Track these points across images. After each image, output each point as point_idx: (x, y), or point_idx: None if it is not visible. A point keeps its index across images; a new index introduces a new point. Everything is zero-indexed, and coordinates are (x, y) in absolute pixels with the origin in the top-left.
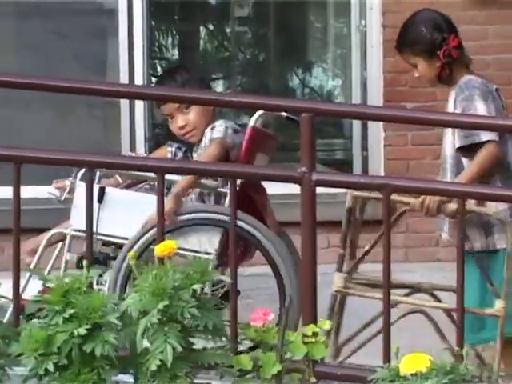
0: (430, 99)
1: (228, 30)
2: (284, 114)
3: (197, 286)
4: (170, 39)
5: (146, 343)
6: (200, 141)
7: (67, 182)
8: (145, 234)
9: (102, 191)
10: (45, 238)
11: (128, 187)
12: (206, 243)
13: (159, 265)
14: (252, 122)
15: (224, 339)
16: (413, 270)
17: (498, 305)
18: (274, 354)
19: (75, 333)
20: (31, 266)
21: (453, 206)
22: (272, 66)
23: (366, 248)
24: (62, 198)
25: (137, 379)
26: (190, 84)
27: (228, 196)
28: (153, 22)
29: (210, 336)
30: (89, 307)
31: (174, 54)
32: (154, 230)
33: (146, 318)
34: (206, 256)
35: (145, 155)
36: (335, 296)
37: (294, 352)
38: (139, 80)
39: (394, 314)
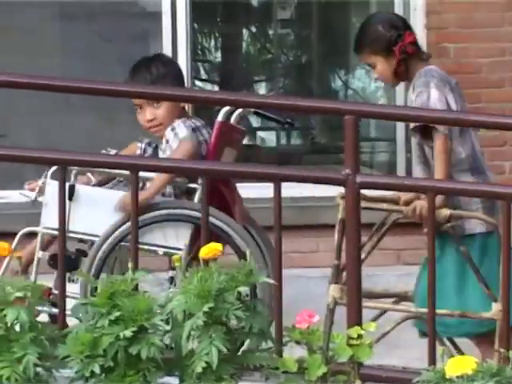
0: (476, 101)
1: (270, 32)
2: (252, 109)
3: (242, 289)
4: (212, 41)
5: (191, 345)
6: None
7: (39, 182)
8: (116, 229)
9: (72, 189)
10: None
11: (101, 185)
12: (177, 239)
13: (204, 267)
14: (220, 117)
15: (269, 341)
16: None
17: (495, 308)
18: (319, 356)
19: (121, 335)
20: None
21: (446, 211)
22: (314, 68)
23: (362, 257)
24: (34, 199)
25: (182, 381)
26: (165, 79)
27: (198, 192)
28: (196, 25)
29: (255, 338)
30: (135, 309)
31: (217, 56)
32: (125, 226)
33: (192, 320)
34: (177, 252)
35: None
36: (332, 308)
37: (339, 354)
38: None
39: None
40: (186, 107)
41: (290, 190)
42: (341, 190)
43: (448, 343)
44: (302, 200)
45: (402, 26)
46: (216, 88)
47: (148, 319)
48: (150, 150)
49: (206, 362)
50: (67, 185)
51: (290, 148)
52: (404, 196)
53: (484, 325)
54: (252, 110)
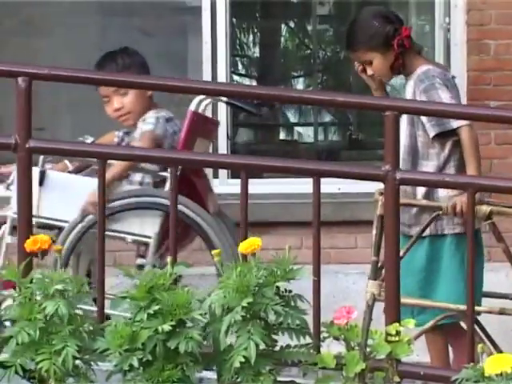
0: None
1: (309, 28)
2: (224, 98)
3: (281, 284)
4: (251, 37)
5: (230, 340)
6: (135, 126)
7: (13, 167)
8: (84, 218)
9: (42, 174)
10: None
11: (78, 171)
12: (147, 227)
13: (243, 261)
14: (192, 106)
15: (307, 337)
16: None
17: None
18: (357, 353)
19: (160, 329)
20: None
21: (486, 208)
22: (352, 65)
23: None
24: (9, 182)
25: (220, 376)
26: (130, 68)
27: (168, 180)
28: (234, 20)
29: (293, 333)
30: (173, 303)
31: (255, 51)
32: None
33: (230, 314)
34: (146, 239)
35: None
36: (371, 304)
37: (378, 350)
38: (222, 77)
39: None
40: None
41: (327, 185)
42: (379, 185)
43: (487, 341)
44: (340, 196)
45: (396, 19)
46: (254, 83)
47: (187, 313)
48: (126, 139)
49: (245, 357)
50: (38, 170)
51: (327, 144)
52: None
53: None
54: (224, 99)
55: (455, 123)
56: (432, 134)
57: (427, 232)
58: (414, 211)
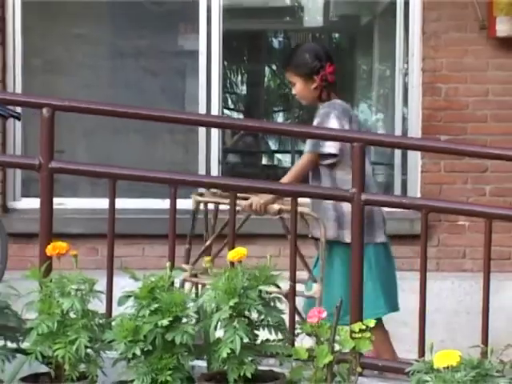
0: (462, 133)
1: None
2: None
3: (263, 287)
4: (239, 77)
5: (218, 334)
6: None
7: None
8: None
9: None
10: None
11: None
12: None
13: (231, 268)
14: None
15: (284, 333)
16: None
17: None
18: (326, 347)
19: (159, 324)
20: None
21: (276, 206)
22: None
23: (207, 243)
24: None
25: (210, 364)
26: None
27: None
28: (226, 63)
29: (272, 330)
30: (171, 302)
31: (243, 89)
32: None
33: (219, 312)
34: None
35: None
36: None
37: (344, 345)
38: (215, 111)
39: None
40: None
41: None
42: None
43: None
44: None
45: (325, 57)
46: (241, 116)
47: (182, 311)
48: None
49: (231, 349)
50: None
51: None
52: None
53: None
54: None
55: (327, 149)
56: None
57: (330, 237)
58: None
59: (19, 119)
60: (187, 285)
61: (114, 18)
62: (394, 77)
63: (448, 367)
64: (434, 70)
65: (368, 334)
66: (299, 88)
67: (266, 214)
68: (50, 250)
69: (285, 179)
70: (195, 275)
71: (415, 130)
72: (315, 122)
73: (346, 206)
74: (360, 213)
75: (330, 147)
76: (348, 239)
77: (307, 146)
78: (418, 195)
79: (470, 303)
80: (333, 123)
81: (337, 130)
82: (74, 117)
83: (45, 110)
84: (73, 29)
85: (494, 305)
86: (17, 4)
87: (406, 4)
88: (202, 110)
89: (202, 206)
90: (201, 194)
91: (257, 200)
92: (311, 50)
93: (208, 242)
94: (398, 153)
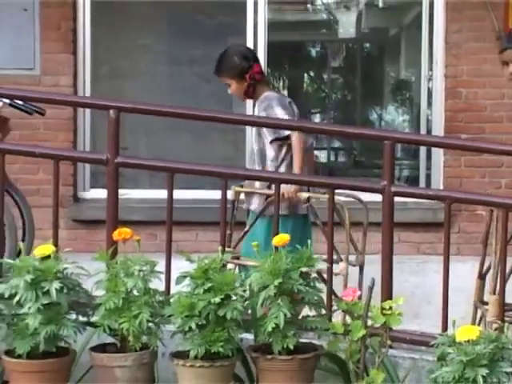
0: (480, 132)
1: (325, 76)
2: (7, 100)
3: (304, 269)
4: (281, 82)
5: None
6: None
7: None
8: None
9: None
10: None
11: None
12: None
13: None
14: None
15: (322, 309)
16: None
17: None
18: (360, 322)
19: (212, 301)
20: None
21: (305, 194)
22: (358, 104)
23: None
24: None
25: (256, 337)
26: None
27: None
28: (269, 70)
29: (312, 307)
30: (223, 282)
31: (284, 93)
32: None
33: (265, 291)
34: None
35: None
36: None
37: (375, 320)
38: None
39: None
40: None
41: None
42: None
43: None
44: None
45: (252, 57)
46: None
47: (232, 289)
48: None
49: (275, 324)
50: None
51: (337, 164)
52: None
53: None
54: (7, 101)
55: (287, 132)
56: (270, 139)
57: (267, 212)
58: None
59: (43, 114)
60: (229, 266)
61: (172, 30)
62: (420, 82)
63: (469, 341)
64: (455, 76)
65: (398, 311)
66: (234, 88)
67: (297, 201)
68: (115, 235)
69: (297, 169)
70: (237, 257)
71: (438, 130)
72: (260, 113)
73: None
74: (391, 203)
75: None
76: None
77: (276, 134)
78: (441, 188)
79: (488, 283)
80: (279, 111)
81: (368, 130)
82: (136, 117)
83: (111, 112)
84: (136, 40)
85: (508, 285)
86: (87, 18)
87: (431, 17)
88: (249, 111)
89: (242, 196)
90: (241, 186)
91: (287, 189)
92: (239, 53)
93: (247, 228)
94: (423, 150)
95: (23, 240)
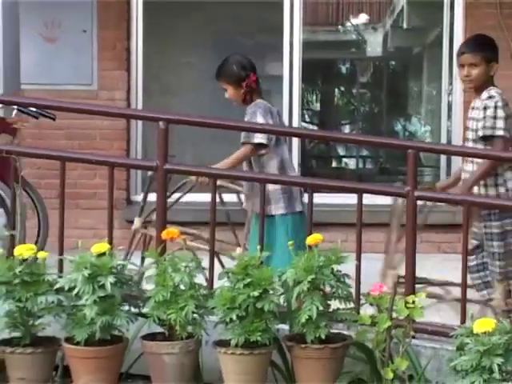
0: None
1: (354, 91)
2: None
3: (335, 266)
4: (314, 97)
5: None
6: None
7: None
8: None
9: None
10: None
11: None
12: None
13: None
14: None
15: (351, 303)
16: None
17: None
18: (385, 315)
19: (251, 294)
20: None
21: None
22: (384, 117)
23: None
24: None
25: (291, 327)
26: None
27: None
28: (303, 85)
29: (341, 300)
30: (261, 277)
31: (317, 106)
32: None
33: (299, 286)
34: None
35: None
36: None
37: (399, 313)
38: (295, 124)
39: None
40: None
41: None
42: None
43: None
44: (373, 206)
45: (250, 67)
46: (315, 127)
47: (270, 284)
48: None
49: (308, 315)
50: None
51: (364, 170)
52: None
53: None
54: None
55: (257, 139)
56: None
57: (257, 210)
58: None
59: (54, 119)
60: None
61: (215, 48)
62: (440, 96)
63: (485, 332)
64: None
65: (420, 304)
66: (230, 93)
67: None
68: (164, 234)
69: (223, 165)
70: (145, 227)
71: (457, 140)
72: (246, 119)
73: (271, 187)
74: (414, 206)
75: (262, 138)
76: (272, 212)
77: (246, 138)
78: None
79: None
80: (259, 118)
81: (394, 140)
82: (182, 128)
83: (161, 123)
84: (182, 58)
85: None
86: (139, 39)
87: (451, 37)
88: (286, 122)
89: None
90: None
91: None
92: (238, 63)
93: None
94: (443, 158)
95: (38, 234)
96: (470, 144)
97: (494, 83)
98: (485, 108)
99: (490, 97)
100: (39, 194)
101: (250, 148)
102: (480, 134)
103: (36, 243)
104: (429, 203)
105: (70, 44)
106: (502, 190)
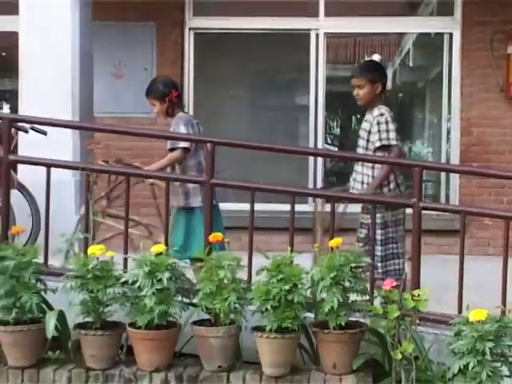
0: (488, 161)
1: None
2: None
3: (353, 265)
4: (335, 123)
5: (322, 295)
6: None
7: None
8: None
9: None
10: None
11: None
12: None
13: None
14: None
15: (367, 296)
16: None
17: None
18: (395, 305)
19: (283, 288)
20: None
21: (151, 180)
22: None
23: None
24: None
25: (316, 316)
26: None
27: None
28: (326, 113)
29: (358, 293)
30: (291, 274)
31: (338, 131)
32: None
33: (323, 281)
34: None
35: None
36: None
37: (407, 305)
38: (319, 145)
39: None
40: None
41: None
42: None
43: None
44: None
45: (172, 85)
46: (335, 148)
47: (299, 280)
48: None
49: (331, 306)
50: None
51: None
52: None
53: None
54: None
55: (181, 144)
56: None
57: (182, 205)
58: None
59: (45, 134)
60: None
61: (253, 84)
62: (441, 123)
63: (479, 321)
64: (468, 119)
65: (424, 297)
66: (157, 108)
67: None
68: (211, 237)
69: (156, 165)
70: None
71: (455, 160)
72: (171, 129)
73: (191, 186)
74: (419, 216)
75: (186, 143)
76: (192, 205)
77: (172, 145)
78: (457, 203)
79: (493, 277)
80: (182, 128)
81: (404, 159)
82: (226, 149)
83: (209, 145)
84: (227, 90)
85: (510, 279)
86: (191, 75)
87: (449, 74)
88: (311, 144)
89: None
90: None
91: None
92: (162, 82)
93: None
94: (443, 174)
95: (31, 230)
96: (361, 151)
97: (383, 100)
98: (378, 123)
99: (381, 114)
100: (33, 195)
101: (180, 152)
102: (377, 144)
103: (29, 237)
104: (341, 209)
105: (134, 80)
106: (385, 190)
